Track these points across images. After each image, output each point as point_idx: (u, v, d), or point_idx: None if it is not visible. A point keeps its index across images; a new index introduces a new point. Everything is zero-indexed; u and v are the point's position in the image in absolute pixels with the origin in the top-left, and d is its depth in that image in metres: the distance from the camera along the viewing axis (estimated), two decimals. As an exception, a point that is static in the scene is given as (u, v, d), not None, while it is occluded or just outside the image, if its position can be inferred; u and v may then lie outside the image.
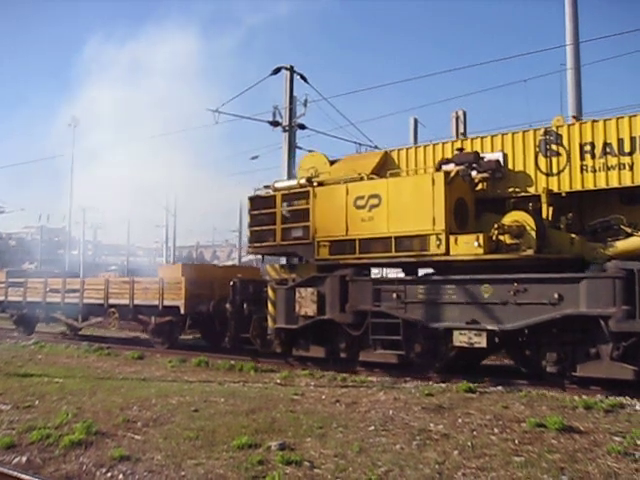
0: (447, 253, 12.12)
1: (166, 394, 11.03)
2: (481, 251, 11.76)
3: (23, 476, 6.68)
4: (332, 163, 15.45)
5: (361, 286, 13.56)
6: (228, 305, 16.63)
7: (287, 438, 7.98)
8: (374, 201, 13.16)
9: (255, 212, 15.49)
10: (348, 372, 13.52)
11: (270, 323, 15.12)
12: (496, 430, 8.36)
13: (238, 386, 12.25)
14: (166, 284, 19.04)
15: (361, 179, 13.78)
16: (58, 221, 69.17)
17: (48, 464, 7.28)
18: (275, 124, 24.96)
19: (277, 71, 24.73)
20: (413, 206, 12.55)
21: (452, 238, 12.09)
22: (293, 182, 15.48)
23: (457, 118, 24.02)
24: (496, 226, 11.87)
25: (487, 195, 13.04)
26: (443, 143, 13.94)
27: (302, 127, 25.40)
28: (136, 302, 19.92)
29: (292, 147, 25.00)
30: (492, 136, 13.23)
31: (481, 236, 11.79)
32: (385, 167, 14.18)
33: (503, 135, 13.06)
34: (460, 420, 8.98)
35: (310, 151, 27.03)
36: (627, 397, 10.45)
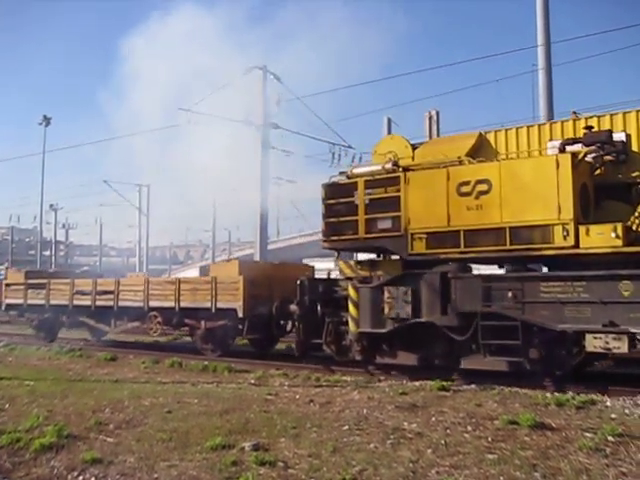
0: (576, 245, 10.66)
1: (139, 396, 10.91)
2: (620, 243, 10.28)
3: (-8, 481, 6.59)
4: (413, 147, 13.98)
5: (468, 284, 11.91)
6: (294, 307, 14.69)
7: (261, 438, 7.94)
8: (482, 187, 11.59)
9: (332, 201, 13.70)
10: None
11: (351, 327, 13.27)
12: (469, 428, 8.40)
13: (212, 387, 12.17)
14: (220, 284, 17.03)
15: (460, 163, 12.27)
16: (29, 222, 68.54)
17: (18, 468, 7.19)
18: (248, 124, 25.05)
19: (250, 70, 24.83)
20: (532, 192, 11.07)
21: (582, 228, 10.63)
22: (375, 167, 13.66)
23: (430, 118, 24.15)
24: (637, 214, 10.48)
25: (606, 180, 11.60)
26: (551, 123, 12.81)
27: (275, 126, 25.50)
28: (182, 304, 17.86)
29: (266, 146, 25.10)
30: (611, 115, 12.01)
31: (619, 226, 10.32)
32: (481, 150, 12.79)
33: (625, 114, 11.80)
34: (434, 418, 9.01)
35: (284, 150, 27.22)
36: (598, 394, 10.56)
